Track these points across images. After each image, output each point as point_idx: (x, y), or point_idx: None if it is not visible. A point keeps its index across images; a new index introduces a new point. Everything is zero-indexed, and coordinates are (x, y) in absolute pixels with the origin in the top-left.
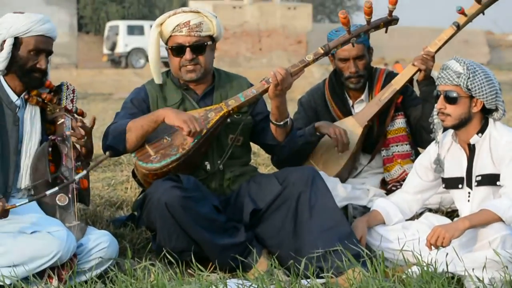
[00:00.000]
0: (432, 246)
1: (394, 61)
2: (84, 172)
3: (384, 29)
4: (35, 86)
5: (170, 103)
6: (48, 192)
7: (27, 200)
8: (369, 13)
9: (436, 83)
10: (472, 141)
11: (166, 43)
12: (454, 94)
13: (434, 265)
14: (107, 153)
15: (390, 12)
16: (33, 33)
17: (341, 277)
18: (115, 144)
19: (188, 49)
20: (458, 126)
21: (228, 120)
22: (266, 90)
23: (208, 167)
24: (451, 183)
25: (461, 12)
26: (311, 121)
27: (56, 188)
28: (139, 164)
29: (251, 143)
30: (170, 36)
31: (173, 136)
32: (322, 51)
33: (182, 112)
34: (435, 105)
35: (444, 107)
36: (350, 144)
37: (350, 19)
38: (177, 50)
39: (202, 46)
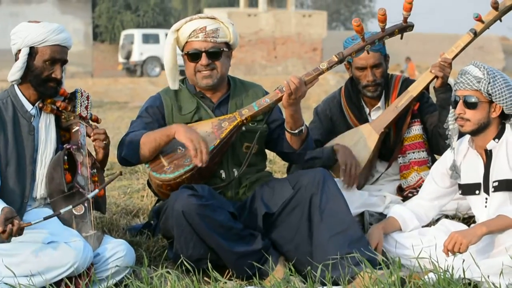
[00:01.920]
0: (449, 252)
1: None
2: (97, 190)
3: (400, 35)
4: (50, 95)
5: (185, 111)
6: (62, 211)
7: (42, 218)
8: (383, 20)
9: (454, 89)
10: (489, 147)
11: (182, 50)
12: (474, 99)
13: (451, 272)
14: (118, 172)
15: (405, 18)
16: (49, 43)
17: (356, 282)
18: (129, 157)
19: (204, 54)
20: (477, 131)
21: (243, 128)
22: (280, 99)
23: (224, 175)
24: (468, 189)
25: (478, 19)
26: (327, 130)
27: (70, 207)
28: (153, 174)
29: (267, 150)
30: (187, 42)
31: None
32: (336, 59)
33: (193, 130)
34: (450, 111)
35: (463, 112)
36: (367, 151)
37: (364, 26)
38: (193, 55)
39: (218, 51)
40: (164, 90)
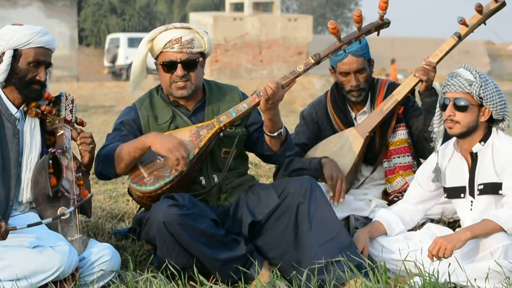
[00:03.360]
0: (434, 257)
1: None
2: (72, 208)
3: (376, 33)
4: (34, 98)
5: (161, 121)
6: (44, 221)
7: (26, 225)
8: (359, 21)
9: (443, 91)
10: (474, 150)
11: (156, 58)
12: (465, 102)
13: (436, 276)
14: (90, 194)
15: (381, 17)
16: (33, 45)
17: None
18: (105, 171)
19: (179, 65)
20: (465, 134)
21: (221, 134)
22: (257, 104)
23: (204, 182)
24: (453, 193)
25: (462, 22)
26: (313, 134)
27: (50, 219)
28: (133, 186)
29: (251, 155)
30: (161, 52)
31: (166, 156)
32: (313, 61)
33: (167, 138)
34: (435, 114)
35: (453, 114)
36: (352, 155)
37: (350, 30)
38: (168, 66)
39: (194, 62)
40: (140, 100)
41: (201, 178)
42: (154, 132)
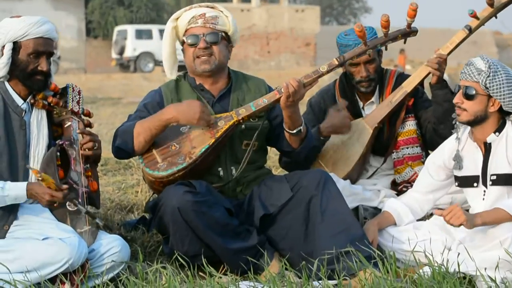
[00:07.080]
0: (445, 219)
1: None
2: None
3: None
4: (39, 89)
5: None
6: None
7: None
8: (386, 26)
9: (459, 78)
10: (488, 140)
11: (182, 42)
12: (472, 91)
13: (445, 265)
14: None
15: (409, 24)
16: (31, 36)
17: (353, 279)
18: (124, 146)
19: (202, 38)
20: (473, 122)
21: (243, 126)
22: (277, 100)
23: (221, 173)
24: (466, 182)
25: (473, 15)
26: (320, 123)
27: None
28: (146, 170)
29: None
30: (186, 30)
31: (181, 143)
32: (337, 62)
33: (188, 109)
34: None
35: (461, 102)
36: (360, 145)
37: (357, 21)
38: (192, 39)
39: (217, 36)
40: (166, 84)
41: (219, 169)
42: (171, 106)
